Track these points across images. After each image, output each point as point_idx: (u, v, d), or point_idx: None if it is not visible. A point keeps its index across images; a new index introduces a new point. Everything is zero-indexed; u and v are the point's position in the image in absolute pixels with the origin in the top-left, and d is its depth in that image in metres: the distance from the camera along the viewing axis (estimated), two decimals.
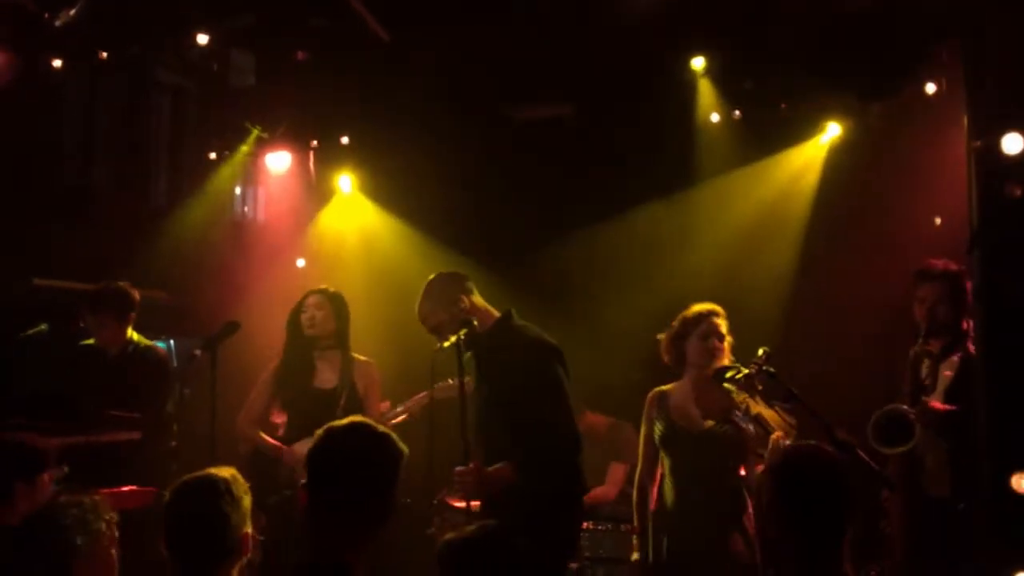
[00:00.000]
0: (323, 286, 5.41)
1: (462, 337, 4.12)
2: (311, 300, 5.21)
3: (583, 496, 4.27)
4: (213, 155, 7.37)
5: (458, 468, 4.09)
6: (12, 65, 5.98)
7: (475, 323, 4.17)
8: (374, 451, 2.53)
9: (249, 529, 2.74)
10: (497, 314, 4.36)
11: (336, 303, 5.23)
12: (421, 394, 5.20)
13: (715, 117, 6.49)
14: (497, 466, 4.08)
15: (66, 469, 3.95)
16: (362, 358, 5.27)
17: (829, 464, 2.69)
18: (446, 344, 4.16)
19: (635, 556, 4.46)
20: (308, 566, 2.49)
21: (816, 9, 5.62)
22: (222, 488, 2.68)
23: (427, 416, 5.19)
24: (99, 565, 2.83)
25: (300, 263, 7.59)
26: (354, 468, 2.50)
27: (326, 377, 5.16)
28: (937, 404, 4.37)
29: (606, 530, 5.51)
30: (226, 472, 2.75)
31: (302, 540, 2.59)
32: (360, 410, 5.09)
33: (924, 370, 4.42)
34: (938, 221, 6.11)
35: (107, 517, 2.85)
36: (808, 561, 2.59)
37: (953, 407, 4.38)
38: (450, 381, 4.96)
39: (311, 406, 5.01)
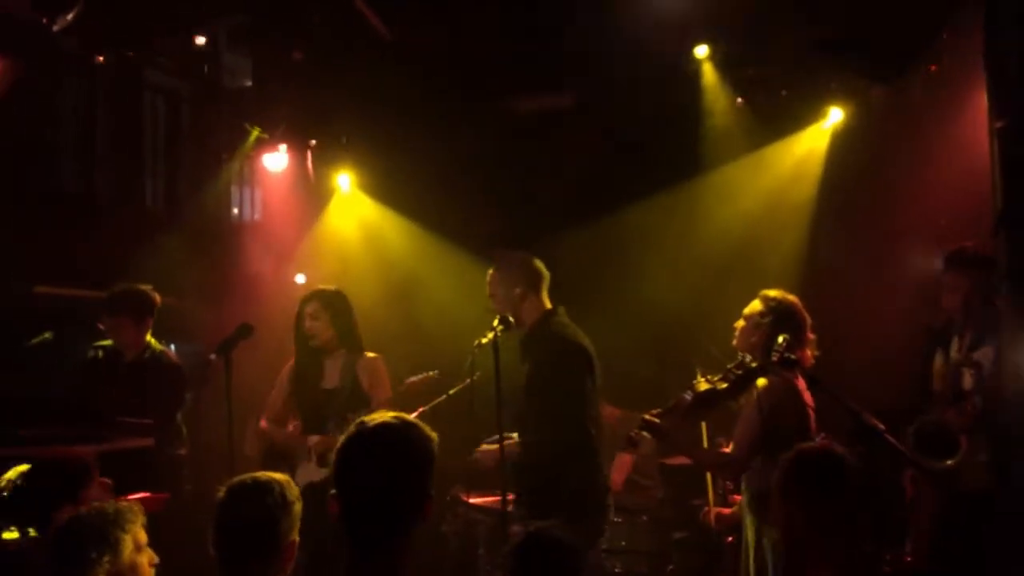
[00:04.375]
0: (320, 286, 5.36)
1: (499, 333, 4.41)
2: (309, 309, 5.18)
3: (598, 485, 4.53)
4: (217, 156, 7.32)
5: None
6: (10, 71, 5.89)
7: (511, 320, 4.50)
8: (401, 439, 2.42)
9: (296, 537, 2.69)
10: (549, 307, 4.65)
11: (334, 306, 5.18)
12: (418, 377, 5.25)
13: (719, 105, 6.47)
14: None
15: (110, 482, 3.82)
16: (370, 355, 5.25)
17: (839, 459, 2.90)
18: (484, 340, 4.41)
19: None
20: (354, 567, 2.38)
21: None
22: (276, 492, 2.63)
23: (442, 413, 5.18)
24: (125, 572, 2.78)
25: (300, 279, 7.48)
26: (385, 458, 2.39)
27: (330, 377, 5.19)
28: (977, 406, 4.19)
29: (620, 522, 5.46)
30: (280, 476, 2.70)
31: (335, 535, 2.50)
32: (364, 405, 5.07)
33: (965, 372, 4.23)
34: (943, 223, 6.01)
35: (131, 525, 2.81)
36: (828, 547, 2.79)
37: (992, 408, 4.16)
38: (429, 374, 5.17)
39: (316, 405, 5.15)
